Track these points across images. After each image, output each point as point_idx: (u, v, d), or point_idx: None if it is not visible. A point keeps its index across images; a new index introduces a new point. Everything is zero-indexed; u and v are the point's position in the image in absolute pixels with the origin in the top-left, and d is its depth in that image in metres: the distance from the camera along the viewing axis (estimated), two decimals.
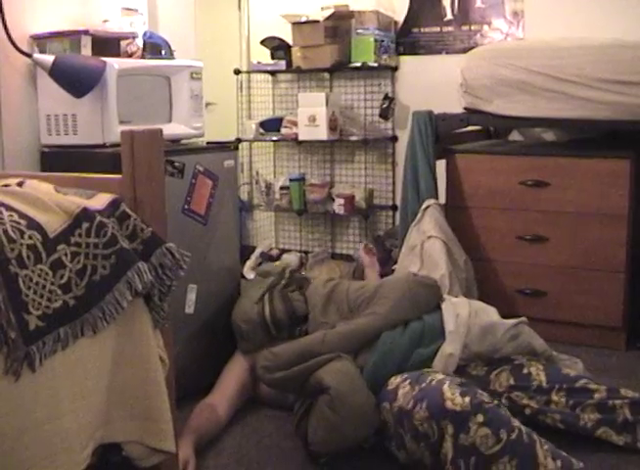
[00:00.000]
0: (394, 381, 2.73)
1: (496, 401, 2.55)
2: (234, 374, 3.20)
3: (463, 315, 2.96)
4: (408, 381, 2.68)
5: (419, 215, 3.96)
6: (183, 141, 3.53)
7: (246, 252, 5.33)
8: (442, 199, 4.16)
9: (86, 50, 3.32)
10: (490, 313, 3.05)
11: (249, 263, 5.59)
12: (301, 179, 5.53)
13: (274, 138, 5.51)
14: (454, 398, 2.48)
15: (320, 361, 2.75)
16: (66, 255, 1.91)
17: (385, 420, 2.67)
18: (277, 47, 5.44)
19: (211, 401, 3.06)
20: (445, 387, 2.54)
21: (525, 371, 2.90)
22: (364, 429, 2.65)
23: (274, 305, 3.20)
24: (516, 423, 2.48)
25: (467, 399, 2.47)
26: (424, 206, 3.99)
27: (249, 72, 5.77)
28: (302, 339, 2.96)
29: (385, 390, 2.73)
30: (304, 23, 5.22)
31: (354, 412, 2.61)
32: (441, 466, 2.49)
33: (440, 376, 2.66)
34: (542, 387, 2.85)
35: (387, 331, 2.90)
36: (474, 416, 2.44)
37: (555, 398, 2.82)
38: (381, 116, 5.16)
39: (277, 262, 5.58)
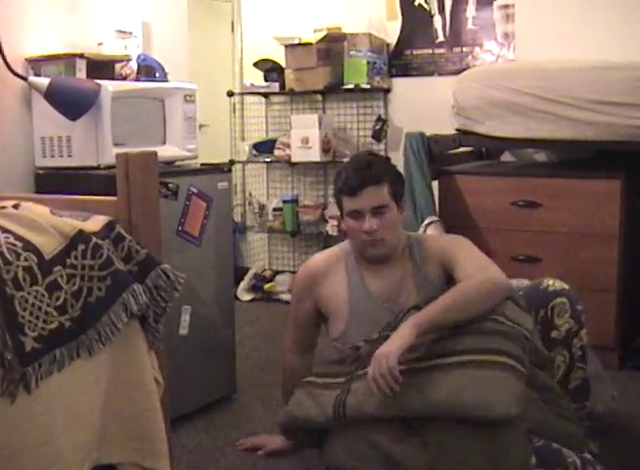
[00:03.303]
0: None
1: None
2: None
3: None
4: None
5: (420, 231, 3.95)
6: (177, 163, 3.55)
7: (239, 273, 5.33)
8: None
9: (81, 73, 3.34)
10: None
11: (242, 285, 5.60)
12: (294, 201, 5.55)
13: (267, 160, 5.54)
14: None
15: None
16: (61, 276, 1.92)
17: None
18: (270, 69, 5.48)
19: None
20: None
21: None
22: None
23: None
24: None
25: None
26: (426, 222, 3.99)
27: (242, 94, 5.80)
28: None
29: None
30: (297, 45, 5.26)
31: None
32: None
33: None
34: None
35: None
36: None
37: None
38: (373, 137, 5.19)
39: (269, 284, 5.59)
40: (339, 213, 2.87)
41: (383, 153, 5.27)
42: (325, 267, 2.88)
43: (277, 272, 5.76)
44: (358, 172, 2.73)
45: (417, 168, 4.11)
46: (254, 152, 5.56)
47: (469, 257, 2.70)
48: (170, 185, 3.21)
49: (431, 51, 5.22)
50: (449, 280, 2.71)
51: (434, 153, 4.23)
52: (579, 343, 2.80)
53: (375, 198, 2.70)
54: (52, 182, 3.30)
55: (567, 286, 2.82)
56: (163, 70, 3.64)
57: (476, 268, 2.60)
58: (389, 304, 2.74)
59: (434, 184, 4.24)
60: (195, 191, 3.32)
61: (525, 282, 3.00)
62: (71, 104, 3.14)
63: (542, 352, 2.65)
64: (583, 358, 2.82)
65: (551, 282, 2.82)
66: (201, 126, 3.82)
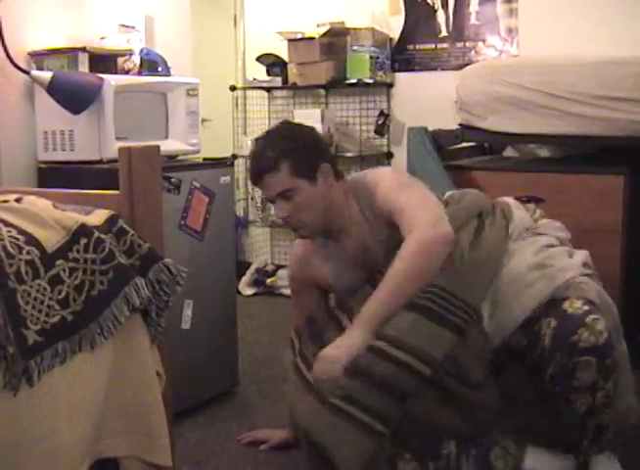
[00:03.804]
0: None
1: None
2: None
3: None
4: None
5: None
6: (179, 157, 3.55)
7: (241, 267, 5.33)
8: None
9: (84, 67, 3.34)
10: None
11: (244, 279, 5.61)
12: None
13: None
14: None
15: None
16: (64, 270, 1.91)
17: None
18: (273, 64, 5.48)
19: None
20: None
21: None
22: None
23: None
24: None
25: None
26: None
27: (244, 89, 5.80)
28: None
29: None
30: (300, 39, 5.26)
31: None
32: None
33: None
34: None
35: None
36: None
37: None
38: (376, 132, 5.19)
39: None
40: None
41: (385, 148, 5.26)
42: (304, 251, 2.83)
43: (279, 267, 5.76)
44: (253, 160, 2.61)
45: (428, 160, 4.09)
46: None
47: (400, 208, 2.54)
48: (173, 179, 3.21)
49: (434, 46, 5.21)
50: None
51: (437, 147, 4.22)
52: (604, 394, 2.45)
53: (275, 185, 2.54)
54: (54, 176, 3.30)
55: (602, 337, 2.42)
56: (166, 64, 3.64)
57: (408, 224, 2.48)
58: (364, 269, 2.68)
59: None
60: (197, 185, 3.32)
61: (563, 235, 2.94)
62: (74, 98, 3.13)
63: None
64: (608, 406, 2.47)
65: (585, 335, 2.41)
66: (203, 121, 3.82)
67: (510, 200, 2.94)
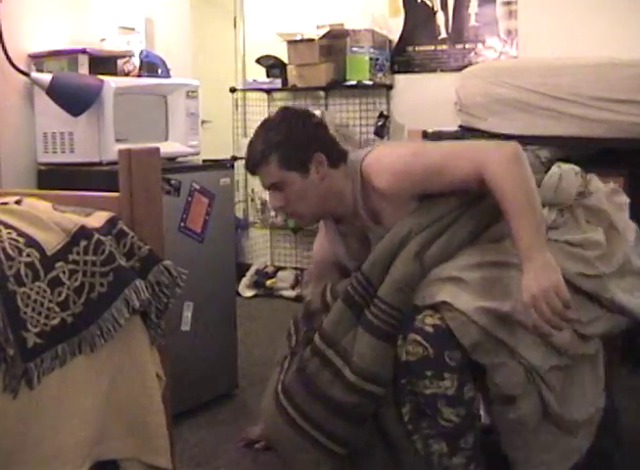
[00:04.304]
0: None
1: None
2: None
3: None
4: None
5: None
6: (179, 159, 3.55)
7: (241, 269, 5.34)
8: None
9: (83, 69, 3.33)
10: None
11: (244, 281, 5.61)
12: None
13: None
14: None
15: None
16: (64, 272, 1.92)
17: None
18: (272, 65, 5.48)
19: None
20: None
21: None
22: None
23: None
24: None
25: None
26: None
27: (244, 91, 5.80)
28: None
29: None
30: (300, 41, 5.26)
31: None
32: None
33: None
34: None
35: None
36: None
37: None
38: (376, 133, 5.19)
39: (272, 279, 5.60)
40: None
41: None
42: (325, 234, 2.75)
43: (279, 269, 5.76)
44: (247, 151, 2.56)
45: None
46: None
47: (436, 171, 2.36)
48: (173, 181, 3.21)
49: (433, 47, 5.21)
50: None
51: None
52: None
53: (268, 177, 2.48)
54: (54, 178, 3.30)
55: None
56: (166, 66, 3.64)
57: (468, 171, 2.30)
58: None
59: None
60: (197, 187, 3.32)
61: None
62: (74, 100, 3.13)
63: None
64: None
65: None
66: (203, 122, 3.82)
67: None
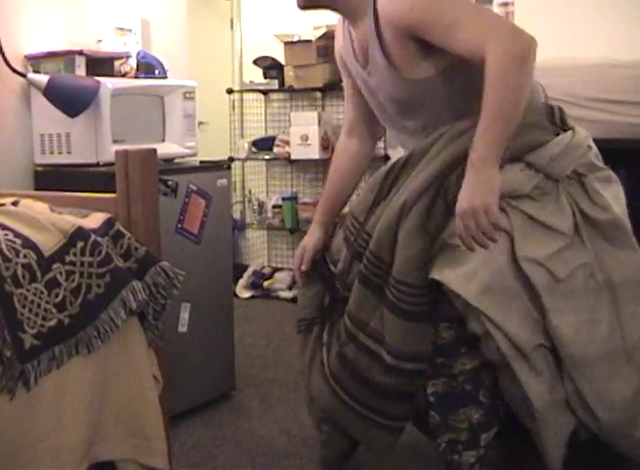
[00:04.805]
0: None
1: None
2: None
3: None
4: None
5: None
6: (176, 160, 3.54)
7: (238, 270, 5.33)
8: None
9: (80, 70, 3.33)
10: None
11: (241, 282, 5.61)
12: (294, 198, 5.55)
13: (267, 157, 5.54)
14: None
15: None
16: (60, 273, 1.92)
17: None
18: (269, 66, 5.48)
19: None
20: None
21: None
22: None
23: None
24: None
25: None
26: None
27: (241, 92, 5.80)
28: None
29: None
30: (297, 42, 5.26)
31: None
32: None
33: None
34: None
35: None
36: None
37: None
38: None
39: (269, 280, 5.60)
40: None
41: (382, 151, 5.26)
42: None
43: (276, 269, 5.76)
44: None
45: None
46: (254, 149, 5.56)
47: (448, 25, 2.14)
48: (170, 182, 3.21)
49: None
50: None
51: None
52: None
53: None
54: (51, 179, 3.30)
55: None
56: (163, 67, 3.64)
57: (476, 40, 2.12)
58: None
59: None
60: (194, 188, 3.32)
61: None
62: (71, 101, 3.13)
63: None
64: None
65: None
66: (200, 123, 3.82)
67: None
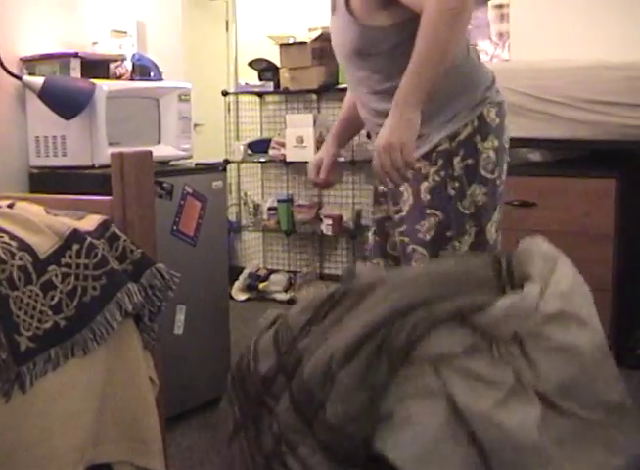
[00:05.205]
0: None
1: None
2: None
3: None
4: None
5: None
6: (172, 162, 3.55)
7: (234, 272, 5.33)
8: None
9: (75, 72, 3.33)
10: None
11: (237, 284, 5.60)
12: (289, 200, 5.55)
13: (262, 159, 5.54)
14: None
15: None
16: (56, 276, 1.92)
17: None
18: (265, 68, 5.48)
19: None
20: None
21: None
22: None
23: None
24: None
25: None
26: None
27: (236, 94, 5.80)
28: None
29: None
30: (292, 44, 5.26)
31: None
32: None
33: None
34: None
35: None
36: None
37: None
38: (368, 137, 5.19)
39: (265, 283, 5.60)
40: None
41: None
42: None
43: (272, 272, 5.76)
44: None
45: None
46: (249, 151, 5.56)
47: None
48: (165, 185, 3.21)
49: None
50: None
51: None
52: None
53: None
54: (46, 182, 3.30)
55: None
56: (158, 69, 3.64)
57: None
58: None
59: None
60: (190, 190, 3.32)
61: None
62: (66, 103, 3.13)
63: None
64: None
65: None
66: (195, 126, 3.82)
67: None
